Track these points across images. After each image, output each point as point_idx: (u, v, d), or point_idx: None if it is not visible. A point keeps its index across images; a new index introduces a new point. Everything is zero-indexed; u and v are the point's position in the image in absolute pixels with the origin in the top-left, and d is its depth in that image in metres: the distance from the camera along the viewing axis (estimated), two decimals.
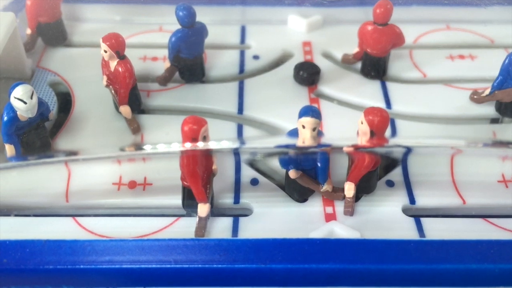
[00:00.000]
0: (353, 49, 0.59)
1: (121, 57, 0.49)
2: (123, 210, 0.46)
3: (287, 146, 0.42)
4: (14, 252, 0.39)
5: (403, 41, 0.56)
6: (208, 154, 0.42)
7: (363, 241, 0.40)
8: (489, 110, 0.54)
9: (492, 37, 0.63)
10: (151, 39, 0.63)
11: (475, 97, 0.54)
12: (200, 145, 0.40)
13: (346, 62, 0.59)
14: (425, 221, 0.44)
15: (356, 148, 0.42)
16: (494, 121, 0.54)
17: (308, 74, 0.56)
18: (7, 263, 0.39)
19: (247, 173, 0.48)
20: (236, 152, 0.46)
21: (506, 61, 0.51)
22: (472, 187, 0.47)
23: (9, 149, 0.46)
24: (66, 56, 0.60)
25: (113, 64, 0.50)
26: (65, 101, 0.56)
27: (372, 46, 0.56)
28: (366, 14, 0.62)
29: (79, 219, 0.44)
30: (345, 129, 0.50)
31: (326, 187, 0.44)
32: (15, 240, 0.40)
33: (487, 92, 0.53)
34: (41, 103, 0.46)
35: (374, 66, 0.57)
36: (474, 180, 0.47)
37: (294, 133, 0.42)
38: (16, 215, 0.45)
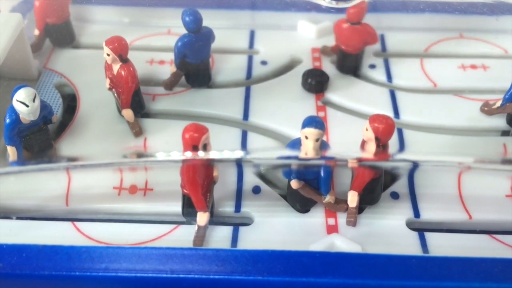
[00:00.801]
0: None
1: (124, 60, 0.49)
2: (123, 216, 0.45)
3: (289, 158, 0.41)
4: (11, 256, 0.39)
5: (376, 39, 0.57)
6: (208, 162, 0.42)
7: (364, 256, 0.40)
8: (499, 122, 0.52)
9: (506, 47, 0.62)
10: (159, 42, 0.62)
11: (485, 108, 0.53)
12: (201, 154, 0.39)
13: (324, 53, 0.60)
14: (429, 235, 0.43)
15: (360, 161, 0.41)
16: (504, 133, 0.53)
17: (316, 82, 0.55)
18: (2, 267, 0.38)
19: (249, 180, 0.47)
20: (238, 163, 0.46)
21: None
22: (479, 202, 0.46)
23: (11, 151, 0.46)
24: (73, 57, 0.60)
25: (116, 67, 0.49)
26: (72, 102, 0.55)
27: (345, 43, 0.56)
28: (378, 21, 0.61)
29: (77, 223, 0.44)
30: (351, 138, 0.49)
31: (328, 198, 0.44)
32: (12, 244, 0.40)
33: (498, 104, 0.52)
34: (44, 106, 0.46)
35: (346, 62, 0.58)
36: (481, 194, 0.46)
37: (295, 144, 0.42)
38: (17, 218, 0.44)
